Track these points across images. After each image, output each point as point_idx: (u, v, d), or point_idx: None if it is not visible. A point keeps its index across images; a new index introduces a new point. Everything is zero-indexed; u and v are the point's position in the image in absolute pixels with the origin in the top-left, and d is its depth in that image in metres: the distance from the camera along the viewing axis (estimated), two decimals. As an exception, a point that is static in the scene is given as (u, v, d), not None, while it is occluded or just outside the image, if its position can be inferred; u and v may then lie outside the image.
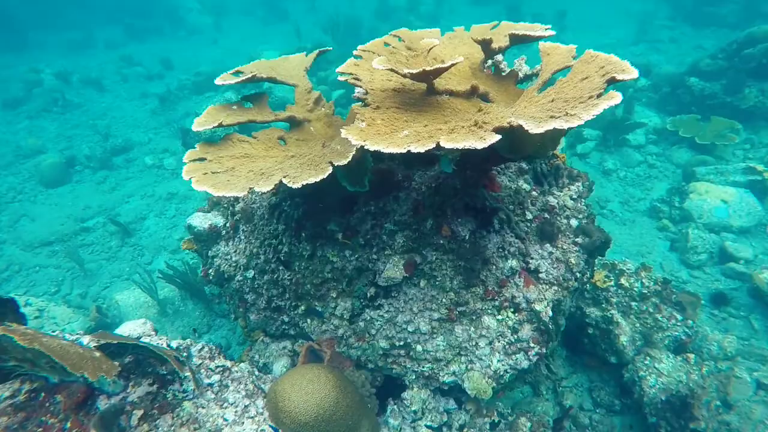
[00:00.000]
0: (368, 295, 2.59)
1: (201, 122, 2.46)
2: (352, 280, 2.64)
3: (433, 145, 1.45)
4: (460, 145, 1.41)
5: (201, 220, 3.19)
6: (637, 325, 3.37)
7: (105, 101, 8.73)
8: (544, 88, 1.92)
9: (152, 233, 5.44)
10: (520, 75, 2.33)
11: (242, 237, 3.02)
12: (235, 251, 3.03)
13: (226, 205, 3.21)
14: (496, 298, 2.58)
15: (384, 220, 2.55)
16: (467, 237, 2.50)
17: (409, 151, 1.47)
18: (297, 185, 1.91)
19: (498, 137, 1.42)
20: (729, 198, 4.93)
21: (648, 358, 3.21)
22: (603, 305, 3.43)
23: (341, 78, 2.11)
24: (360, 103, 2.34)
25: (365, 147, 1.56)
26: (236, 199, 3.12)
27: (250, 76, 2.57)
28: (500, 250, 2.61)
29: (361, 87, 2.05)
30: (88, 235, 5.34)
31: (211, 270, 3.15)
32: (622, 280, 3.49)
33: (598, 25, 12.03)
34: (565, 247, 2.73)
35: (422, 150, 1.45)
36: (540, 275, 2.64)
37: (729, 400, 3.20)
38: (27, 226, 5.54)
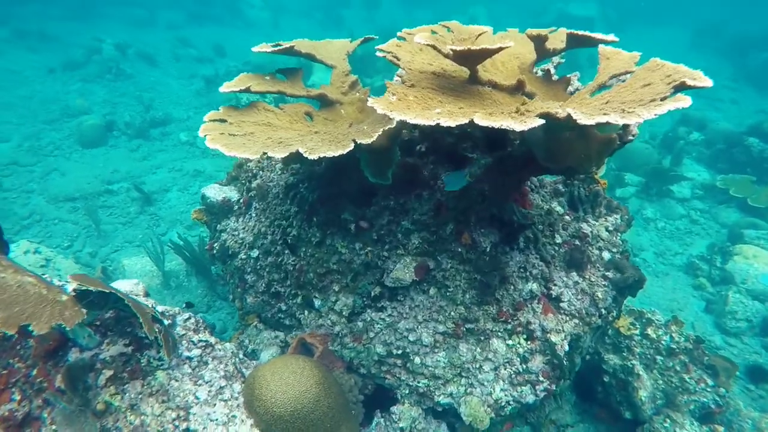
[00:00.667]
0: (372, 294, 2.41)
1: (230, 85, 2.37)
2: (358, 276, 2.47)
3: (466, 121, 1.28)
4: (496, 124, 1.24)
5: (216, 192, 3.09)
6: (660, 382, 3.06)
7: (154, 76, 8.93)
8: (597, 93, 1.73)
9: (172, 206, 5.41)
10: (572, 87, 2.15)
11: (253, 214, 2.89)
12: (244, 228, 2.91)
13: (243, 181, 3.10)
14: (509, 320, 2.36)
15: (402, 217, 2.38)
16: (488, 249, 2.30)
17: (438, 124, 1.30)
18: (314, 156, 1.77)
19: (540, 121, 1.24)
20: (779, 266, 4.55)
21: (668, 420, 2.90)
22: (624, 353, 3.15)
23: (380, 54, 1.98)
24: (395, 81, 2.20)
25: (392, 117, 1.40)
26: (254, 174, 3.01)
27: (287, 46, 2.48)
28: (522, 270, 2.40)
29: (399, 65, 1.90)
30: (110, 197, 5.35)
31: (216, 244, 3.03)
32: (649, 331, 3.19)
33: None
34: (593, 279, 2.49)
35: (452, 124, 1.28)
36: (561, 304, 2.41)
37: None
38: (56, 180, 5.60)
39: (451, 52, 1.61)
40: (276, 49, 2.46)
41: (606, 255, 2.57)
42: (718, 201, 6.09)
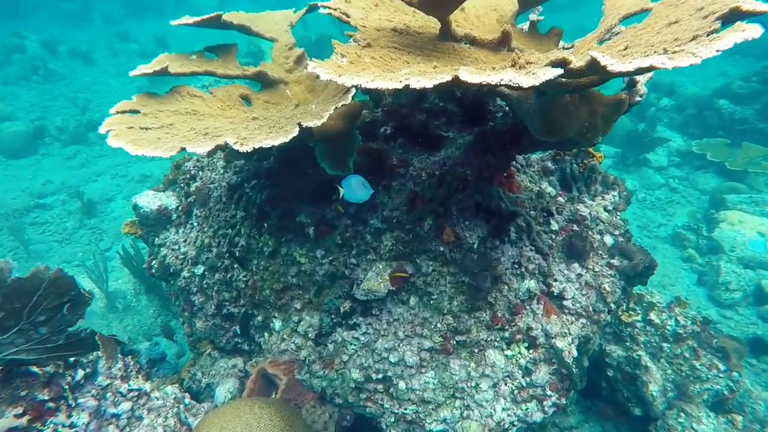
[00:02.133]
0: (341, 310, 2.00)
1: (144, 68, 1.89)
2: (323, 289, 2.05)
3: (447, 78, 0.88)
4: (494, 78, 0.84)
5: (149, 200, 2.61)
6: (669, 371, 2.78)
7: (91, 75, 8.15)
8: (605, 42, 1.35)
9: (117, 216, 4.85)
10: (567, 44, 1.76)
11: (195, 224, 2.43)
12: (185, 241, 2.44)
13: (181, 184, 2.63)
14: (506, 327, 2.00)
15: (370, 214, 1.97)
16: (475, 245, 1.92)
17: (407, 86, 0.89)
18: (247, 147, 1.34)
19: (556, 71, 0.84)
20: (767, 231, 4.37)
21: (683, 415, 2.61)
22: (627, 343, 2.84)
23: (324, 11, 1.54)
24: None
25: (341, 83, 0.98)
26: (192, 176, 2.54)
27: (212, 17, 2.01)
28: (516, 266, 2.03)
29: (350, 23, 1.48)
30: (42, 213, 4.74)
31: (154, 261, 2.55)
32: (652, 316, 2.90)
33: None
34: (597, 270, 2.15)
35: (428, 84, 0.87)
36: (565, 303, 2.06)
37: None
38: (-25, 196, 4.94)
39: (416, -5, 1.20)
40: (198, 19, 1.99)
41: (608, 239, 2.23)
42: (695, 167, 5.91)
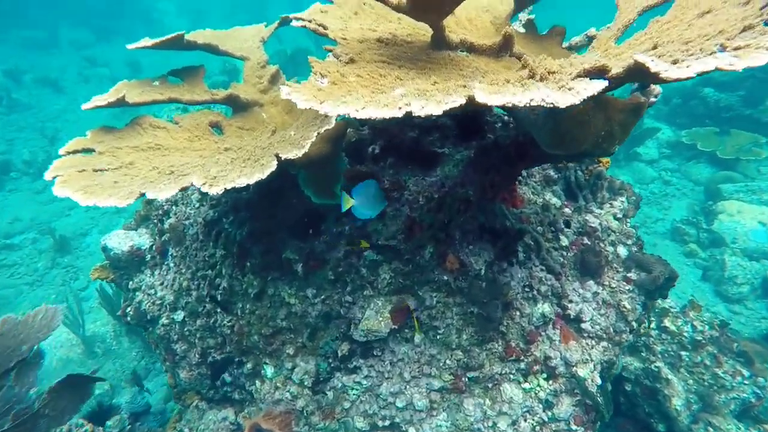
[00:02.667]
0: (339, 353, 1.80)
1: (98, 99, 1.68)
2: (317, 332, 1.85)
3: (461, 101, 0.69)
4: (522, 99, 0.65)
5: (120, 240, 2.38)
6: (690, 381, 2.61)
7: (60, 103, 7.83)
8: (623, 39, 1.18)
9: (92, 252, 4.58)
10: (573, 42, 1.60)
11: (171, 264, 2.21)
12: (161, 284, 2.22)
13: (154, 221, 2.40)
14: (521, 357, 1.81)
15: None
16: (482, 271, 1.74)
17: (409, 113, 0.70)
18: (217, 189, 1.14)
19: (600, 84, 0.66)
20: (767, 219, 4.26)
21: (711, 429, 2.45)
22: (643, 354, 2.67)
23: (298, 23, 1.35)
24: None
25: (323, 112, 0.79)
26: (165, 212, 2.32)
27: (174, 37, 1.81)
28: (527, 289, 1.85)
29: (327, 35, 1.29)
30: (10, 254, 4.45)
31: (130, 308, 2.32)
32: (667, 322, 2.74)
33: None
34: (614, 285, 1.98)
35: (436, 111, 0.69)
36: (583, 326, 1.88)
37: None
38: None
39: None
40: (158, 41, 1.79)
41: (622, 250, 2.07)
42: (687, 157, 5.82)
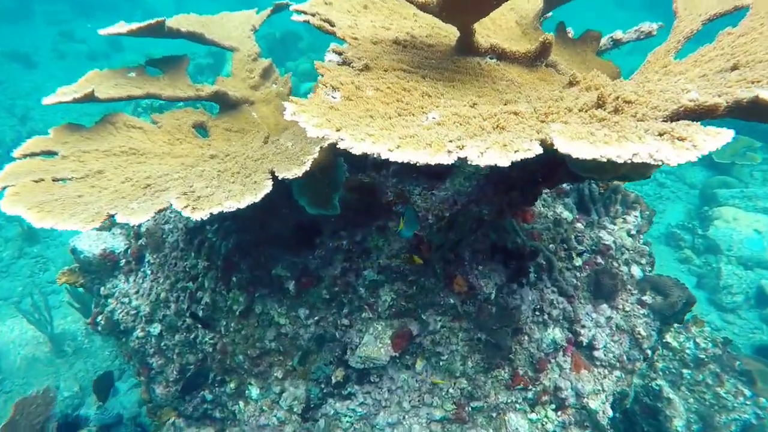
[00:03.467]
0: (333, 380, 1.64)
1: (63, 93, 1.47)
2: (309, 355, 1.69)
3: (537, 150, 0.52)
4: (624, 153, 0.49)
5: (91, 242, 2.17)
6: (691, 400, 2.54)
7: (33, 79, 7.38)
8: (681, 55, 1.02)
9: (64, 242, 4.30)
10: (605, 43, 1.43)
11: (148, 272, 2.02)
12: (137, 292, 2.03)
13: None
14: (529, 386, 1.68)
15: (362, 262, 1.62)
16: (492, 295, 1.59)
17: (463, 159, 0.54)
18: (200, 215, 0.96)
19: (730, 135, 0.50)
20: (763, 228, 4.21)
21: (710, 451, 2.38)
22: (644, 370, 2.58)
23: (299, 18, 1.16)
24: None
25: (343, 147, 0.62)
26: (142, 214, 2.12)
27: (154, 23, 1.59)
28: (537, 313, 1.71)
29: (334, 33, 1.10)
30: (-26, 243, 4.18)
31: (101, 317, 2.13)
32: (668, 338, 2.65)
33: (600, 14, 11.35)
34: (627, 309, 1.85)
35: (504, 162, 0.52)
36: (595, 353, 1.76)
37: None
38: None
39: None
40: (134, 27, 1.58)
41: (636, 270, 1.94)
42: (681, 160, 5.76)
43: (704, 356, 2.59)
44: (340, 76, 0.87)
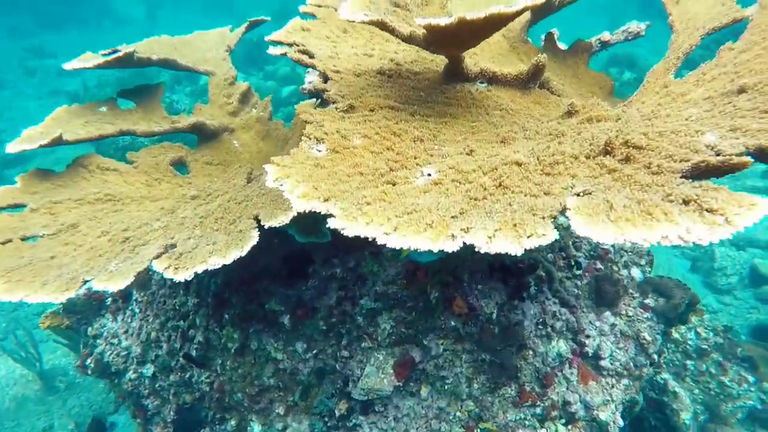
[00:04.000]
0: (337, 413, 1.59)
1: (29, 136, 1.38)
2: (310, 389, 1.63)
3: (552, 237, 0.47)
4: (651, 237, 0.44)
5: (75, 282, 2.08)
6: (696, 391, 2.53)
7: (1, 99, 7.20)
8: (680, 74, 0.98)
9: (49, 271, 4.18)
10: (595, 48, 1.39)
11: (136, 310, 1.94)
12: (125, 332, 1.95)
13: (114, 257, 2.11)
14: (537, 402, 1.65)
15: (358, 290, 1.56)
16: (494, 315, 1.54)
17: (470, 246, 0.48)
18: (183, 275, 0.90)
19: (765, 207, 0.45)
20: (752, 207, 4.23)
21: (718, 442, 2.38)
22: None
23: (275, 50, 1.10)
24: (312, 100, 1.34)
25: (333, 226, 0.56)
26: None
27: (123, 55, 1.51)
28: (540, 326, 1.67)
29: (313, 65, 1.04)
30: (-44, 279, 4.04)
31: (90, 359, 2.05)
32: (670, 330, 2.63)
33: (563, 17, 11.38)
34: (630, 314, 1.82)
35: (518, 250, 0.46)
36: (602, 363, 1.72)
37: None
38: None
39: (423, 31, 0.78)
40: (101, 61, 1.49)
41: (636, 273, 1.91)
42: (666, 141, 5.77)
43: (706, 346, 2.58)
44: (323, 122, 0.81)
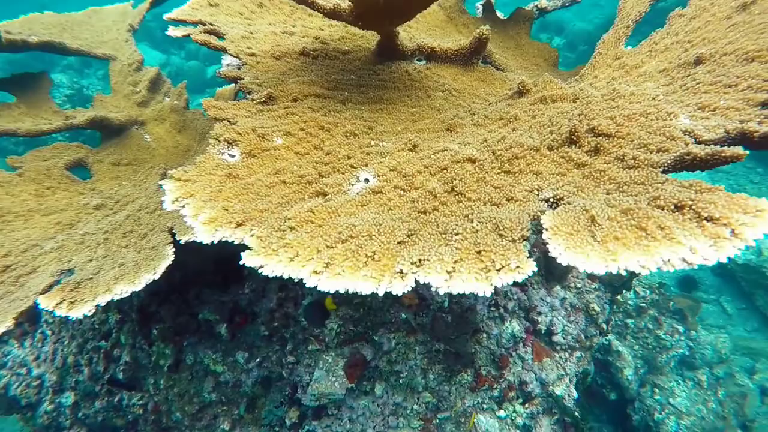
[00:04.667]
0: (288, 422, 1.48)
1: None
2: (256, 400, 1.51)
3: (524, 274, 0.37)
4: (650, 263, 0.35)
5: (-28, 305, 1.81)
6: (637, 347, 2.65)
7: None
8: (630, 42, 0.91)
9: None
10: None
11: (47, 332, 1.72)
12: (36, 359, 1.72)
13: (18, 273, 1.85)
14: (494, 385, 1.62)
15: (300, 289, 1.44)
16: (446, 303, 1.48)
17: (426, 285, 0.37)
18: (80, 311, 0.75)
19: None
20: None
21: (657, 390, 2.52)
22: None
23: (176, 32, 0.92)
24: (229, 86, 1.18)
25: (248, 264, 0.44)
26: (30, 265, 1.78)
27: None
28: (492, 308, 1.63)
29: (224, 49, 0.88)
30: None
31: None
32: (611, 293, 2.73)
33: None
34: (579, 286, 1.83)
35: (485, 290, 0.36)
36: (554, 338, 1.72)
37: (747, 423, 2.64)
38: None
39: (350, 4, 0.66)
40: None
41: (581, 244, 1.91)
42: (595, 106, 5.96)
43: (644, 303, 2.70)
44: (237, 118, 0.67)
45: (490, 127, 0.69)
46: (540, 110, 0.69)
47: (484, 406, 1.64)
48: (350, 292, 0.38)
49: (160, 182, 0.54)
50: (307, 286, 0.40)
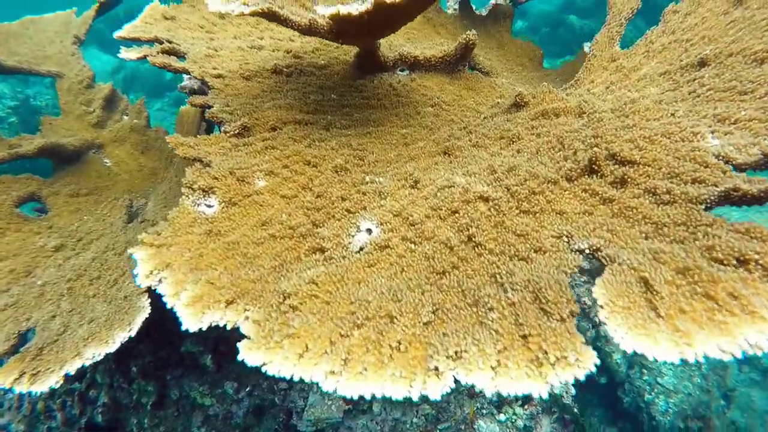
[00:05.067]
0: (284, 450, 1.42)
1: None
2: (249, 430, 1.44)
3: (588, 369, 0.31)
4: (733, 347, 0.29)
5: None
6: (623, 331, 2.67)
7: None
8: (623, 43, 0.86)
9: None
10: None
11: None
12: (0, 407, 1.60)
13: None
14: (492, 389, 1.59)
15: (288, 311, 1.36)
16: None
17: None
18: (47, 384, 0.66)
19: None
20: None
21: (645, 371, 2.55)
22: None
23: (128, 54, 0.83)
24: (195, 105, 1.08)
25: (248, 362, 0.36)
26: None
27: None
28: (485, 311, 1.59)
29: (187, 72, 0.79)
30: None
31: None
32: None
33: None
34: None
35: (543, 393, 0.30)
36: (548, 336, 1.70)
37: (728, 392, 2.71)
38: None
39: (329, 21, 0.58)
40: None
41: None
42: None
43: (628, 287, 2.73)
44: (210, 156, 0.59)
45: (491, 148, 0.63)
46: (543, 126, 0.63)
47: (484, 411, 1.61)
48: (377, 397, 0.32)
49: (128, 250, 0.46)
50: (324, 390, 0.33)
